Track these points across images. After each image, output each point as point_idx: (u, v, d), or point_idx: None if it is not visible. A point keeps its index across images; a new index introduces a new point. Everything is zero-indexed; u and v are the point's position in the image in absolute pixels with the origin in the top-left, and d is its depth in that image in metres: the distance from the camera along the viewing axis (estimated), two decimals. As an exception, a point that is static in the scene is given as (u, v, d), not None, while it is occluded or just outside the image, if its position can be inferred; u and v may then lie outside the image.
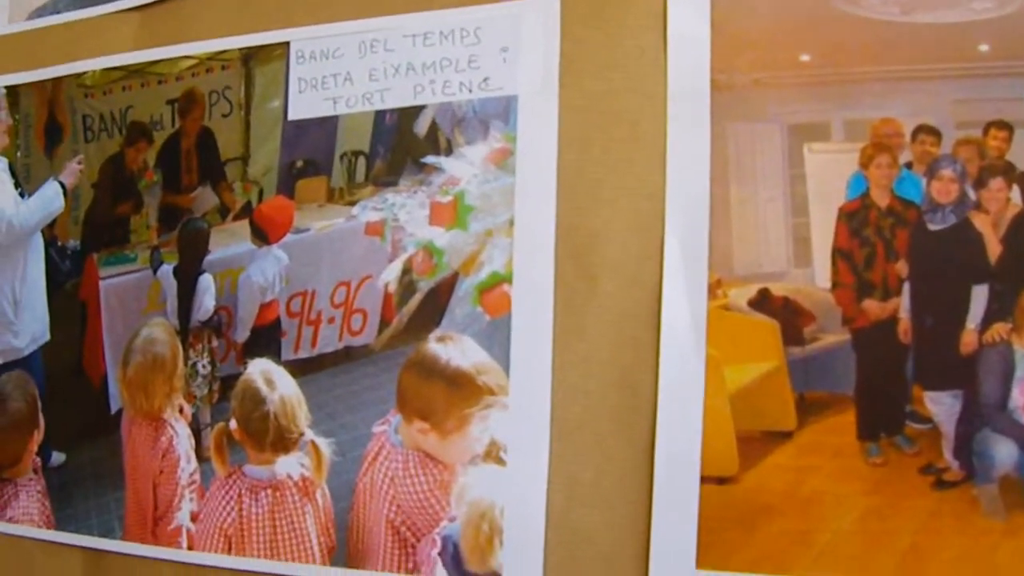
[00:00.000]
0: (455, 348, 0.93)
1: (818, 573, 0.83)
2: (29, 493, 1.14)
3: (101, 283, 1.12)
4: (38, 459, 1.11)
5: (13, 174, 1.19)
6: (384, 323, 0.99)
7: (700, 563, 0.88)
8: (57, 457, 1.16)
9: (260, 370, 1.01)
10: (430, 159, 0.98)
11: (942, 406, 0.82)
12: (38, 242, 1.17)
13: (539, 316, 0.90)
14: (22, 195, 1.18)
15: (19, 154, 1.19)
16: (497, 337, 0.94)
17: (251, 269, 1.06)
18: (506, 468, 0.91)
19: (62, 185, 1.17)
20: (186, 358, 1.07)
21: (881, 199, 0.83)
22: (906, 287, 0.83)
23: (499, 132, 0.95)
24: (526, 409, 0.91)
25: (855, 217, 0.85)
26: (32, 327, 1.17)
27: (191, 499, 1.02)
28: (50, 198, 1.17)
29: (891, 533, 0.81)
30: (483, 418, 0.91)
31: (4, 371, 1.18)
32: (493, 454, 0.92)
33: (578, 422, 0.91)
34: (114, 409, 1.14)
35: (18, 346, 1.17)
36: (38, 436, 1.16)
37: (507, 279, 0.94)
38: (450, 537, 0.92)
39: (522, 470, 0.91)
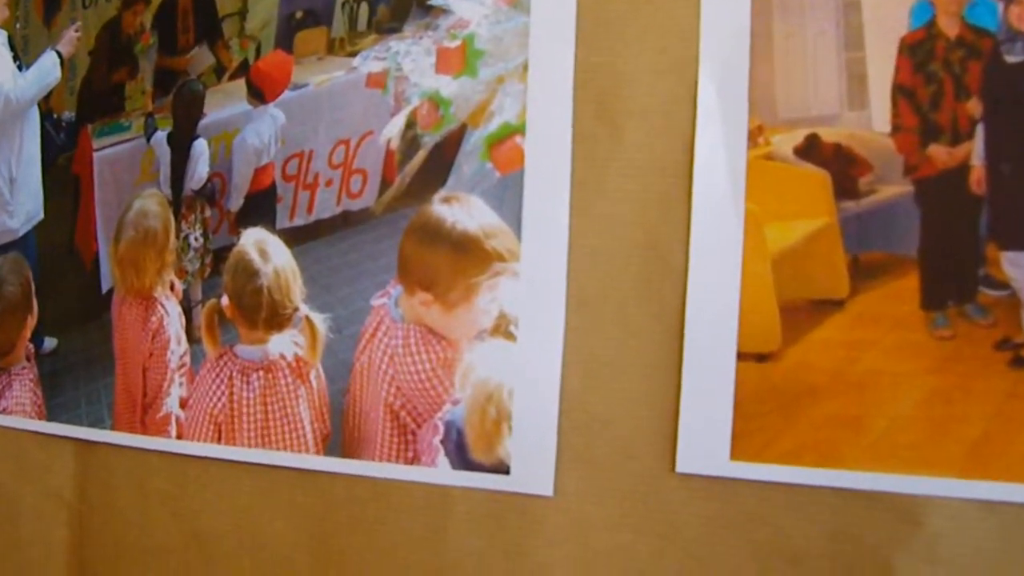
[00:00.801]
0: (461, 209, 0.85)
1: (872, 465, 0.77)
2: (22, 382, 1.08)
3: (95, 155, 1.05)
4: (31, 346, 1.06)
5: (12, 47, 1.11)
6: (385, 184, 0.89)
7: (735, 453, 0.82)
8: (49, 343, 1.09)
9: (254, 240, 0.95)
10: (437, 0, 0.85)
11: (1022, 269, 0.72)
12: (34, 116, 1.11)
13: (555, 171, 0.81)
14: (20, 68, 1.10)
15: (18, 25, 1.11)
16: (508, 196, 0.84)
17: (246, 131, 0.98)
18: (516, 344, 0.84)
19: (59, 55, 1.09)
20: (178, 231, 0.99)
21: (950, 28, 0.74)
22: (979, 129, 0.74)
23: (512, -35, 0.83)
24: (539, 277, 0.84)
25: (919, 49, 0.76)
26: (27, 206, 1.10)
27: (181, 384, 0.97)
28: (47, 69, 1.10)
29: (959, 419, 0.73)
30: (491, 288, 0.85)
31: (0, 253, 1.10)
32: (502, 328, 0.85)
33: (598, 292, 0.84)
34: (105, 289, 1.07)
35: (13, 227, 1.11)
36: (31, 321, 1.09)
37: (519, 130, 0.83)
38: (453, 422, 0.87)
39: (534, 346, 0.84)
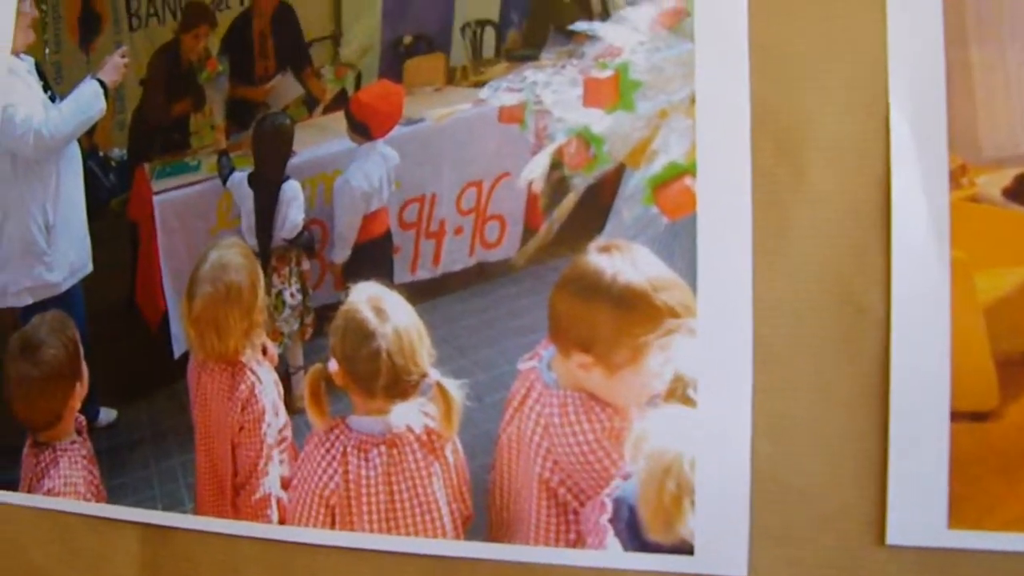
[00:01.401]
0: (624, 259, 0.79)
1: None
2: (72, 459, 0.95)
3: (155, 199, 0.93)
4: (82, 418, 0.94)
5: (42, 75, 0.97)
6: (528, 232, 0.80)
7: (953, 521, 0.75)
8: (106, 415, 0.96)
9: (367, 296, 0.85)
10: (581, 25, 0.79)
11: None
12: (74, 153, 0.99)
13: (733, 215, 0.75)
14: (52, 99, 0.96)
15: (47, 51, 0.97)
16: (679, 244, 0.76)
17: (350, 172, 0.88)
18: (696, 409, 0.75)
19: (102, 84, 0.96)
20: (269, 286, 0.88)
21: None
22: None
23: (669, -13, 0.75)
24: (720, 334, 0.76)
25: None
26: (69, 256, 0.97)
27: (281, 461, 0.89)
28: (88, 100, 0.97)
29: None
30: (664, 347, 0.76)
31: (36, 311, 0.97)
32: (679, 392, 0.76)
33: (787, 348, 0.76)
34: (177, 353, 0.97)
35: (53, 280, 0.97)
36: (81, 390, 0.95)
37: (689, 170, 0.75)
38: (624, 499, 0.77)
39: (718, 411, 0.76)
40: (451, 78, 0.86)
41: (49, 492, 0.98)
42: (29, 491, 1.00)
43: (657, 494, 0.78)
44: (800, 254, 0.78)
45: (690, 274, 0.78)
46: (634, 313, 0.77)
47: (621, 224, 0.80)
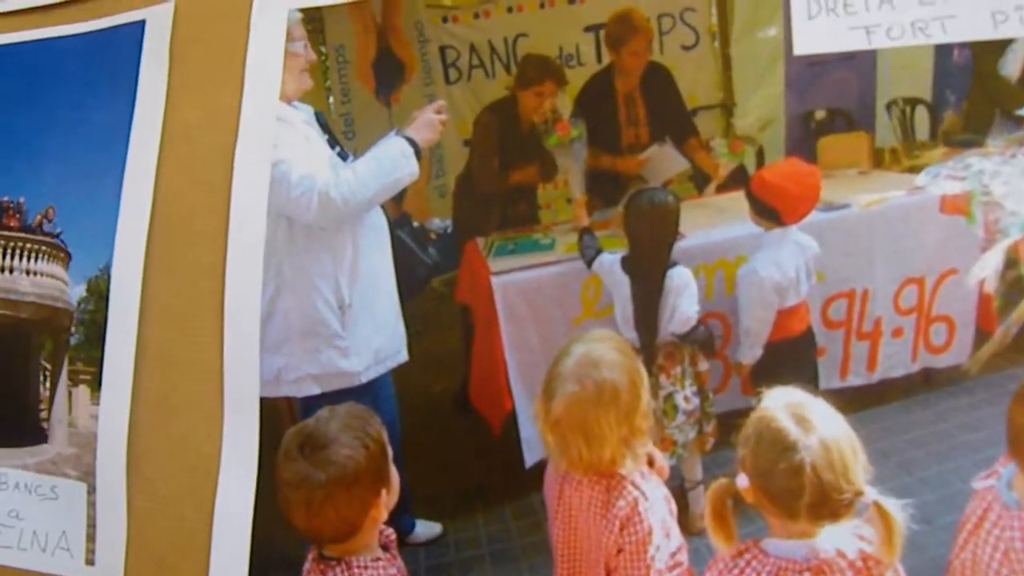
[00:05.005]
0: None
1: None
2: (375, 579, 0.78)
3: (494, 280, 0.80)
4: (390, 531, 0.78)
5: (326, 128, 0.82)
6: (982, 335, 0.70)
7: None
8: (426, 529, 0.81)
9: (785, 403, 0.73)
10: None
11: None
12: (377, 222, 0.83)
13: None
14: (343, 156, 0.81)
15: (331, 100, 0.82)
16: None
17: (758, 260, 0.79)
18: None
19: (412, 143, 0.81)
20: (655, 387, 0.74)
21: None
22: None
23: None
24: None
25: None
26: (373, 343, 0.84)
27: None
28: (394, 161, 0.84)
29: None
30: None
31: (326, 402, 0.81)
32: None
33: None
34: (530, 462, 0.84)
35: (349, 369, 0.84)
36: (388, 497, 0.80)
37: None
38: None
39: None
40: (878, 161, 0.77)
41: (340, 619, 0.82)
42: (313, 614, 0.84)
43: None
44: None
45: None
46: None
47: (1093, 331, 0.73)
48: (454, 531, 0.84)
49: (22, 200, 0.98)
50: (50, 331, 0.98)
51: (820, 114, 0.78)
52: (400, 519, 0.86)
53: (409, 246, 0.85)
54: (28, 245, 0.99)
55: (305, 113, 0.89)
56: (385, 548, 0.84)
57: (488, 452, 0.83)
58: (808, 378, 0.75)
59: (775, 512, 0.74)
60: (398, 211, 0.86)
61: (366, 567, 0.81)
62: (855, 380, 0.76)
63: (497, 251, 0.82)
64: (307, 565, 0.84)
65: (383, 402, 0.85)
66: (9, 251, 0.99)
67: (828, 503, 0.72)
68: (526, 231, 0.83)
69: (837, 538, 0.73)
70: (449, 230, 0.86)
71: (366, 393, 0.87)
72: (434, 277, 0.85)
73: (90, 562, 0.92)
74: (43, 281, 0.98)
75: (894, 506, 0.71)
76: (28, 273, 1.00)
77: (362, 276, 0.87)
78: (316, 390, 0.88)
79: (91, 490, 0.91)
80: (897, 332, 0.74)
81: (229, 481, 0.88)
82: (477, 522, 0.83)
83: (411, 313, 0.85)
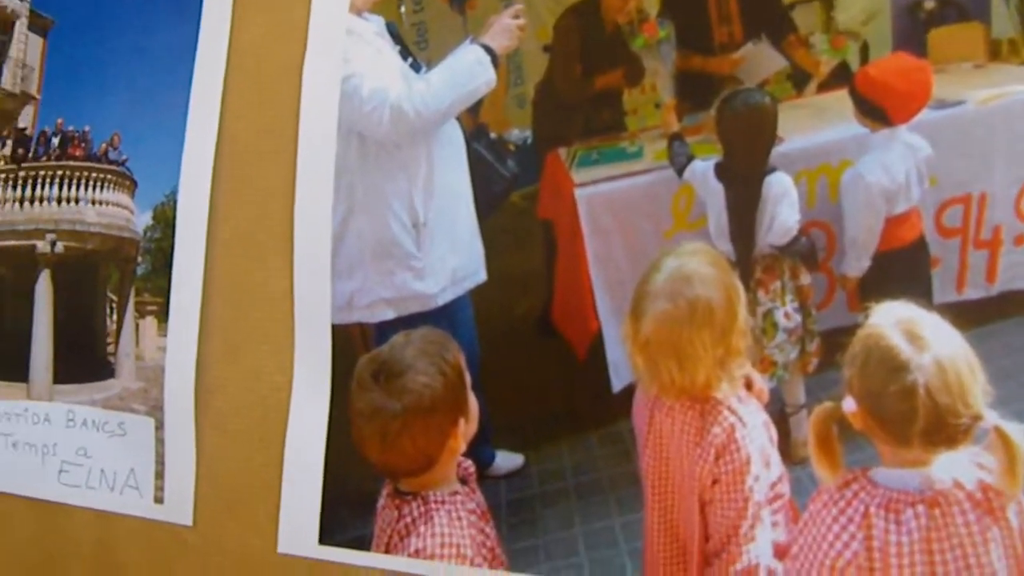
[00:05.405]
0: None
1: None
2: (452, 514, 0.78)
3: (578, 192, 0.77)
4: (469, 463, 0.79)
5: (398, 39, 0.80)
6: None
7: None
8: (506, 460, 0.80)
9: (895, 319, 0.69)
10: None
11: None
12: (453, 136, 0.82)
13: None
14: (416, 68, 0.78)
15: (403, 9, 0.79)
16: None
17: (864, 164, 0.75)
18: None
19: (488, 50, 0.77)
20: (753, 304, 0.70)
21: None
22: None
23: None
24: None
25: None
26: (449, 263, 0.82)
27: (774, 523, 0.74)
28: (469, 71, 0.82)
29: None
30: None
31: (401, 327, 0.77)
32: None
33: None
34: (618, 386, 0.81)
35: (424, 291, 0.81)
36: (467, 427, 0.77)
37: None
38: None
39: None
40: (995, 53, 0.72)
41: (418, 553, 0.79)
42: (387, 551, 0.81)
43: None
44: None
45: None
46: None
47: None
48: (537, 462, 0.82)
49: (87, 129, 0.97)
50: (116, 262, 0.97)
51: (929, 3, 0.74)
52: (479, 450, 0.84)
53: (486, 159, 0.83)
54: (94, 174, 0.98)
55: (376, 24, 0.87)
56: (464, 481, 0.83)
57: (573, 377, 0.81)
58: (921, 291, 0.72)
59: (885, 438, 0.70)
60: (474, 123, 0.84)
61: (443, 501, 0.79)
62: (973, 293, 0.73)
63: (580, 161, 0.80)
64: (381, 500, 0.84)
65: (461, 326, 0.83)
66: (75, 181, 0.98)
67: (944, 428, 0.68)
68: (611, 139, 0.80)
69: (954, 467, 0.69)
70: (529, 141, 0.83)
71: (443, 317, 0.84)
72: (513, 191, 0.83)
73: (159, 500, 0.91)
74: (109, 210, 0.97)
75: (1018, 431, 0.67)
76: (94, 203, 0.98)
77: (437, 192, 0.84)
78: (390, 315, 0.86)
79: (159, 425, 0.90)
80: (1019, 240, 0.71)
81: (301, 413, 0.86)
82: (561, 452, 0.81)
83: (489, 230, 0.82)
